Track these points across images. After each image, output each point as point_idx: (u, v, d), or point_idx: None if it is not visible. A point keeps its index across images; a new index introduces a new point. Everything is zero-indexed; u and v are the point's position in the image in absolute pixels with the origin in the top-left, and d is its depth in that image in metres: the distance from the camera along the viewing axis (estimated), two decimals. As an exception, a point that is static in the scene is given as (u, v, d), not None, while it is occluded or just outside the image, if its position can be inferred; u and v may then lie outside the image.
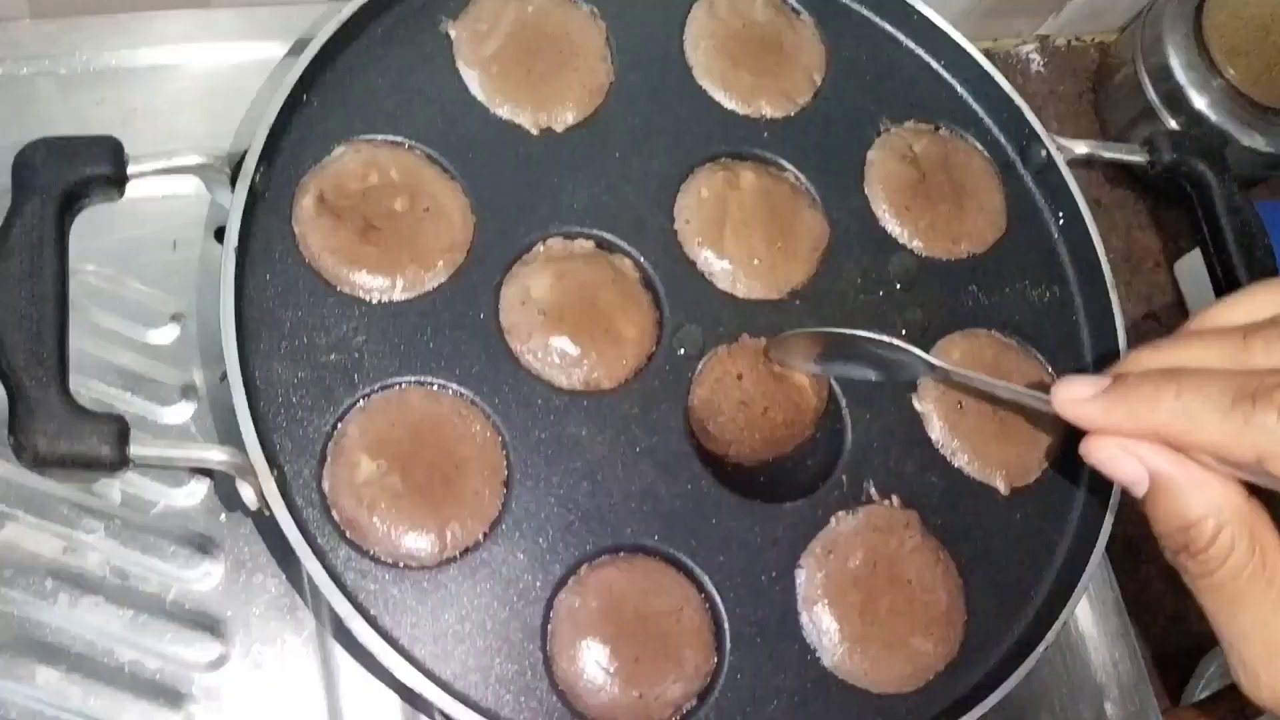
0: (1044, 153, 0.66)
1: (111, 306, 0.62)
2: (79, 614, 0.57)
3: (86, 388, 0.60)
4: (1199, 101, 0.85)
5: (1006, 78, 0.67)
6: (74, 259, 0.61)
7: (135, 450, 0.47)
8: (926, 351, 0.60)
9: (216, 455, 0.49)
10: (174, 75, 0.67)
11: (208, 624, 0.58)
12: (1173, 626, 0.81)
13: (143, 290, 0.63)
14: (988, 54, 0.67)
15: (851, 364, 0.59)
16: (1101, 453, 0.46)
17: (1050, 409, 0.47)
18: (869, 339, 0.56)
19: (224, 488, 0.59)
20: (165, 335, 0.63)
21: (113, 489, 0.59)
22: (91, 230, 0.61)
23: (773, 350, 0.59)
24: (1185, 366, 0.44)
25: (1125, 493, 0.47)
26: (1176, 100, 0.86)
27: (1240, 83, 0.83)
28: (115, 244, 0.63)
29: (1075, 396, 0.46)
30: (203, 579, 0.59)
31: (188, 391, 0.62)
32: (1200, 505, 0.44)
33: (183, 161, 0.53)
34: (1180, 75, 0.85)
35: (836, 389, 0.60)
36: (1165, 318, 0.91)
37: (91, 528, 0.59)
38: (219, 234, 0.62)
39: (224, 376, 0.52)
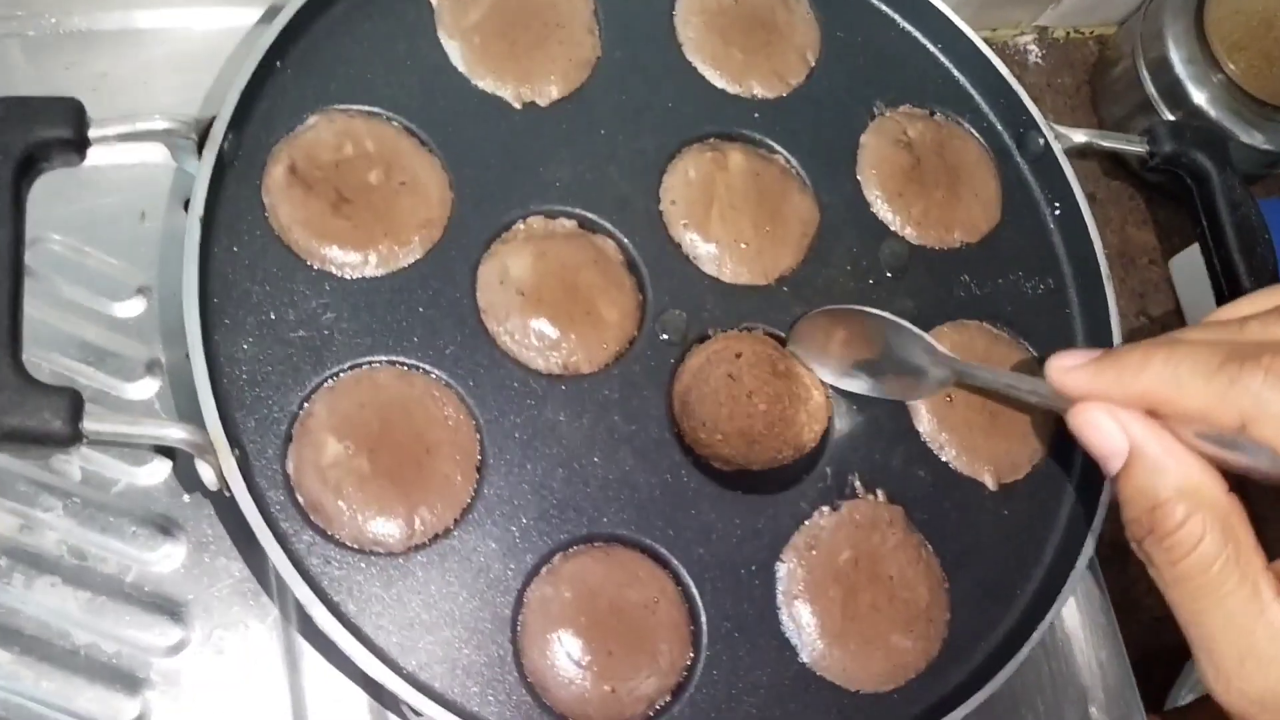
0: (1041, 140, 0.65)
1: (75, 277, 0.60)
2: (34, 595, 0.55)
3: (48, 361, 0.58)
4: (1198, 96, 0.83)
5: (1003, 68, 0.66)
6: (38, 227, 0.59)
7: (89, 425, 0.45)
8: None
9: (175, 433, 0.47)
10: (146, 40, 0.65)
11: (168, 607, 0.56)
12: (1157, 628, 0.79)
13: (108, 261, 0.61)
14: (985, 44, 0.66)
15: (864, 372, 0.57)
16: (1084, 415, 0.45)
17: (1047, 401, 0.46)
18: (895, 324, 0.55)
19: (185, 468, 0.57)
20: (130, 308, 0.61)
21: (72, 466, 0.57)
22: (57, 198, 0.59)
23: (792, 337, 0.57)
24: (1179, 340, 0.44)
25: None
26: (1176, 95, 0.84)
27: (1241, 78, 0.82)
28: (81, 213, 0.61)
29: (1065, 364, 0.47)
30: (163, 560, 0.57)
31: (152, 367, 0.60)
32: (1173, 484, 0.43)
33: (147, 126, 0.50)
34: (1180, 69, 0.84)
35: (828, 389, 0.58)
36: (1159, 315, 0.89)
37: (49, 505, 0.57)
38: (189, 204, 0.60)
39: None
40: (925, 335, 0.55)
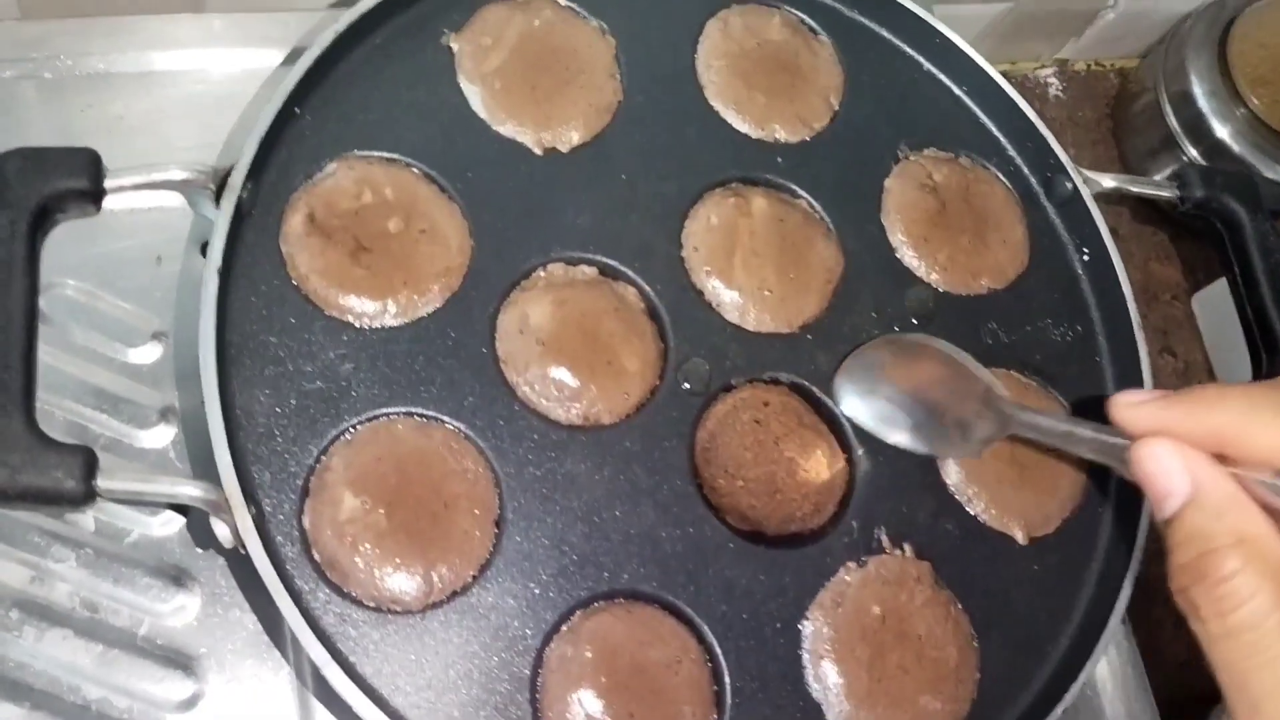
0: (1069, 185, 0.64)
1: (90, 323, 0.60)
2: (45, 648, 0.54)
3: (61, 409, 0.58)
4: (1221, 131, 0.83)
5: (1022, 102, 0.65)
6: (52, 273, 0.59)
7: (103, 484, 0.44)
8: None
9: (190, 490, 0.46)
10: (164, 82, 0.65)
11: (180, 661, 0.55)
12: (1181, 674, 0.78)
13: (123, 307, 0.60)
14: (1004, 77, 0.65)
15: (907, 416, 0.55)
16: (1149, 449, 0.44)
17: (1105, 450, 0.46)
18: (958, 362, 0.53)
19: (198, 523, 0.56)
20: (145, 354, 0.60)
21: (86, 516, 0.56)
22: (72, 243, 0.58)
23: (845, 365, 0.56)
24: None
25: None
26: (1198, 129, 0.84)
27: (1264, 113, 0.81)
28: (96, 257, 0.60)
29: (1131, 400, 0.45)
30: (176, 613, 0.56)
31: (167, 414, 0.59)
32: (1232, 530, 0.41)
33: (164, 176, 0.50)
34: (1203, 103, 0.83)
35: (853, 441, 0.56)
36: (1182, 352, 0.88)
37: (61, 556, 0.56)
38: (205, 249, 0.59)
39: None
40: (989, 377, 0.53)
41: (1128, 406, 0.45)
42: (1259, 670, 0.40)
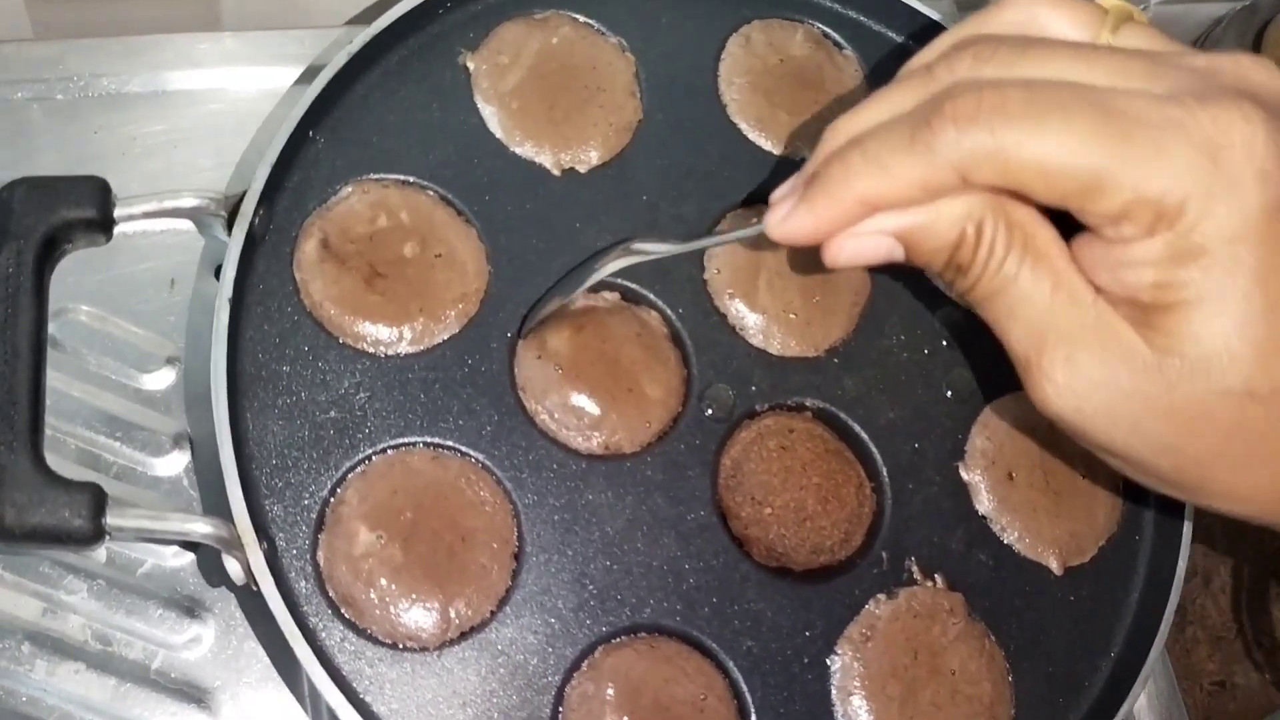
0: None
1: (102, 348, 0.59)
2: (57, 682, 0.53)
3: (73, 436, 0.57)
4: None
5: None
6: (63, 298, 0.58)
7: (113, 521, 0.43)
8: (973, 419, 0.56)
9: (201, 528, 0.45)
10: (179, 102, 0.64)
11: (194, 695, 0.54)
12: (1218, 694, 0.76)
13: (136, 332, 0.59)
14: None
15: None
16: (841, 255, 0.42)
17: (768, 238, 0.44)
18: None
19: (207, 558, 0.55)
20: (159, 380, 0.59)
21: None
22: (83, 267, 0.58)
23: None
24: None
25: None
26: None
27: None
28: (108, 281, 0.59)
29: (779, 215, 0.43)
30: (190, 645, 0.55)
31: (181, 441, 0.58)
32: (950, 224, 0.40)
33: (175, 204, 0.49)
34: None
35: (881, 467, 0.55)
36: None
37: (74, 588, 0.55)
38: (220, 272, 0.58)
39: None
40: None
41: (780, 226, 0.43)
42: (1022, 305, 0.41)
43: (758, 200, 0.58)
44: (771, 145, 0.60)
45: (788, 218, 0.42)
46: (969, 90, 0.38)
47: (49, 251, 0.45)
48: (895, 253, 0.42)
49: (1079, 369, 0.41)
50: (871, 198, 0.40)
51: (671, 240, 0.52)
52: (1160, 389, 0.40)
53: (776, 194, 0.44)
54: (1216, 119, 0.37)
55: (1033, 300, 0.41)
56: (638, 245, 0.51)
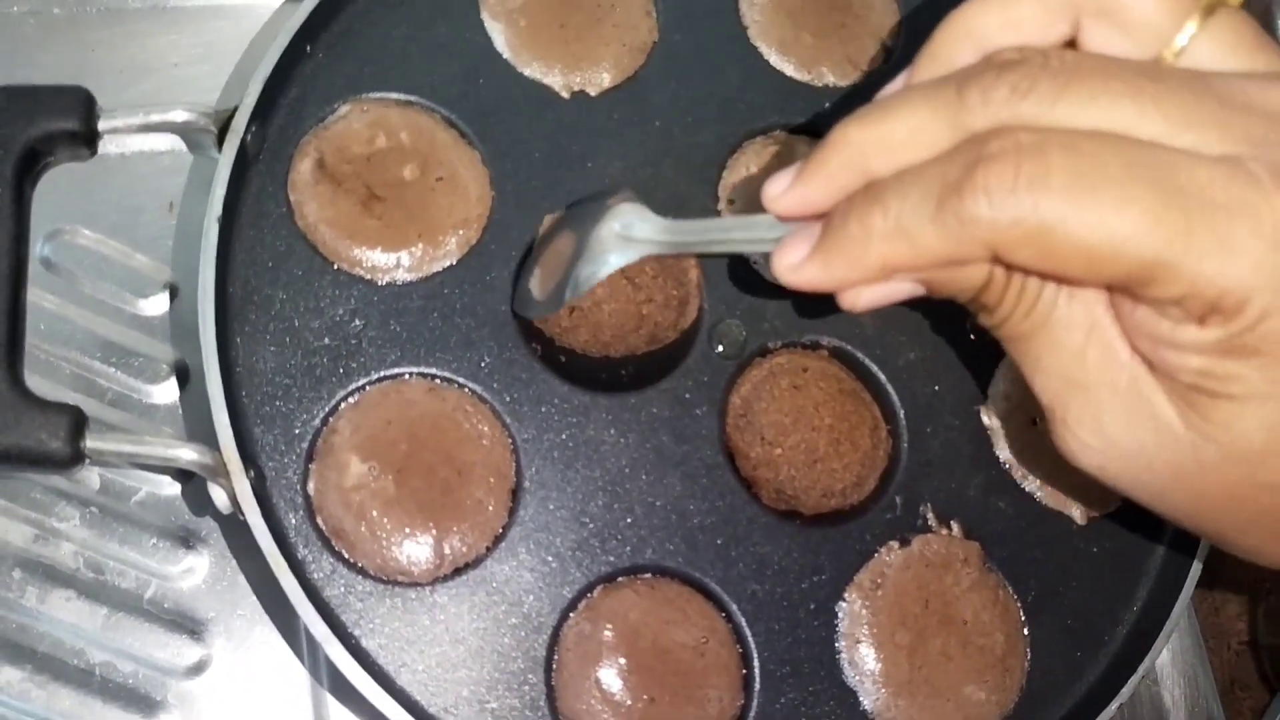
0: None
1: (99, 273, 0.57)
2: (48, 609, 0.53)
3: (68, 361, 0.55)
4: None
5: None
6: (59, 219, 0.57)
7: (92, 444, 0.42)
8: (996, 362, 0.54)
9: (185, 453, 0.43)
10: (178, 19, 0.62)
11: (188, 625, 0.53)
12: (1246, 655, 0.74)
13: (134, 256, 0.58)
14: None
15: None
16: (859, 303, 0.38)
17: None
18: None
19: (195, 486, 0.54)
20: (156, 306, 0.58)
21: (91, 474, 0.54)
22: (80, 188, 0.56)
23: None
24: (888, 171, 0.36)
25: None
26: None
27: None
28: (105, 203, 0.58)
29: (792, 263, 0.38)
30: (184, 575, 0.54)
31: (179, 368, 0.57)
32: (978, 268, 0.36)
33: (163, 118, 0.47)
34: None
35: (898, 409, 0.52)
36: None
37: (66, 515, 0.54)
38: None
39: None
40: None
41: (791, 273, 0.38)
42: (1050, 354, 0.37)
43: (778, 128, 0.56)
44: (794, 69, 0.57)
45: (800, 269, 0.38)
46: (1006, 154, 0.33)
47: (29, 164, 0.44)
48: (916, 292, 0.38)
49: (1106, 433, 0.37)
50: (895, 266, 0.36)
51: (669, 236, 0.46)
52: (1192, 470, 0.36)
53: (771, 188, 0.39)
54: None
55: (1063, 350, 0.37)
56: (636, 234, 0.46)
